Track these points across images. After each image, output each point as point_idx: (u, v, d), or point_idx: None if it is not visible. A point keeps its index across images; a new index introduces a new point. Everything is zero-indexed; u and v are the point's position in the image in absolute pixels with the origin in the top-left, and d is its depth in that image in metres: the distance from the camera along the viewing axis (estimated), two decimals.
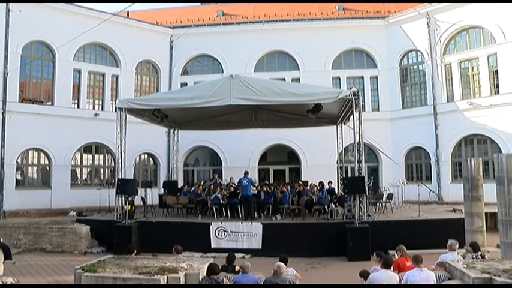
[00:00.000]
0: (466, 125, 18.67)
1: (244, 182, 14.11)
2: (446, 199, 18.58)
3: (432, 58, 19.90)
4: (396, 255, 7.81)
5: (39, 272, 10.62)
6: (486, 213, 11.79)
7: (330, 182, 15.96)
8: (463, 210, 11.91)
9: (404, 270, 7.01)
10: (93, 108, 20.51)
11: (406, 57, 21.42)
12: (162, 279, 6.21)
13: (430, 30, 19.92)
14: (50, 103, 19.12)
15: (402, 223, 12.97)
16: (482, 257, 7.62)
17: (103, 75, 20.78)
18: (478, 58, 18.90)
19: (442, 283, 6.53)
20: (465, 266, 6.57)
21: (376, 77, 21.81)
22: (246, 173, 14.85)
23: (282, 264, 6.73)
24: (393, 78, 21.44)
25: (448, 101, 19.61)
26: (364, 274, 6.70)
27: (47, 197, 17.99)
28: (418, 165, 20.86)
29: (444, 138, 19.29)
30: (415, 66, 21.24)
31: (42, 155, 18.68)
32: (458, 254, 7.78)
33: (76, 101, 19.93)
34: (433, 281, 6.36)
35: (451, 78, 19.66)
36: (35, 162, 18.70)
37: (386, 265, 6.53)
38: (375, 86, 21.89)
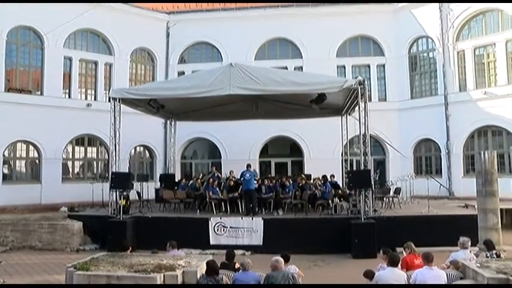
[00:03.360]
0: (479, 116, 18.52)
1: (247, 175, 14.08)
2: (458, 194, 18.54)
3: (444, 45, 19.70)
4: (404, 252, 7.77)
5: (28, 271, 10.54)
6: (501, 210, 11.74)
7: (332, 176, 15.92)
8: (476, 206, 11.85)
9: (412, 268, 6.98)
10: (86, 98, 20.40)
11: (415, 44, 21.25)
12: (159, 277, 6.19)
13: (442, 14, 19.67)
14: (39, 93, 19.04)
15: (410, 219, 12.94)
16: (498, 256, 7.53)
17: (95, 63, 20.66)
18: (494, 44, 18.62)
19: (454, 283, 6.48)
20: (478, 265, 6.51)
21: (384, 66, 21.67)
22: (249, 166, 14.82)
23: (279, 258, 6.73)
24: (401, 66, 21.30)
25: (460, 91, 19.47)
26: (369, 274, 6.61)
27: (36, 192, 17.94)
28: (427, 158, 20.82)
29: (456, 129, 19.19)
30: (425, 54, 21.08)
31: (31, 147, 18.63)
32: (470, 252, 7.72)
33: (67, 91, 19.84)
34: (443, 280, 6.31)
35: (464, 66, 19.49)
36: (23, 155, 18.64)
37: (393, 263, 6.48)
38: (382, 74, 21.76)
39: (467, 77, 19.34)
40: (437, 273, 6.29)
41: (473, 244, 8.52)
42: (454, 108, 19.31)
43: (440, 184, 16.89)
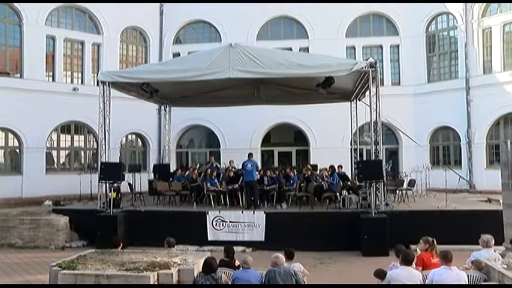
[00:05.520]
0: (506, 101, 18.25)
1: (249, 165, 14.13)
2: (480, 187, 18.52)
3: (467, 22, 19.44)
4: (418, 249, 7.67)
5: (7, 271, 10.49)
6: None
7: (340, 166, 15.94)
8: (501, 201, 11.78)
9: (429, 267, 6.91)
10: (72, 81, 20.36)
11: (434, 21, 21.08)
12: (152, 276, 6.19)
13: None
14: (18, 75, 18.89)
15: (426, 214, 12.95)
16: None
17: (82, 43, 20.55)
18: None
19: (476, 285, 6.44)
20: (505, 266, 6.45)
21: (398, 46, 21.60)
22: (250, 155, 14.83)
23: (279, 254, 6.74)
24: (418, 47, 21.18)
25: (484, 73, 19.30)
26: (380, 274, 6.55)
27: (17, 185, 17.89)
28: (445, 148, 20.81)
29: (478, 116, 19.07)
30: (445, 33, 20.91)
31: (10, 136, 18.56)
32: (495, 251, 7.64)
33: (51, 73, 19.75)
34: (464, 282, 6.23)
35: (490, 46, 19.22)
36: (2, 144, 18.56)
37: (406, 261, 6.42)
38: (396, 56, 21.71)
39: (493, 57, 19.10)
40: (456, 274, 6.20)
41: (498, 243, 8.43)
42: (476, 92, 19.14)
43: (460, 176, 16.90)
